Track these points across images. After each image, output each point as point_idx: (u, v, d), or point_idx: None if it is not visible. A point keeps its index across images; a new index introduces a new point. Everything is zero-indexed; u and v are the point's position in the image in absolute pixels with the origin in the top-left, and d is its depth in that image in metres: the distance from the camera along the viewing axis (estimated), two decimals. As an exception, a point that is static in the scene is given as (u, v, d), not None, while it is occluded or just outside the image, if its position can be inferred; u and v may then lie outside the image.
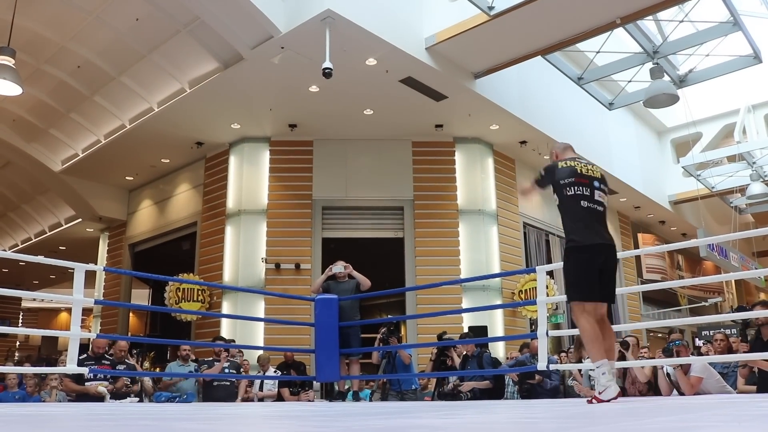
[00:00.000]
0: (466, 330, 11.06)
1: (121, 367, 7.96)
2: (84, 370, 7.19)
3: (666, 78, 11.04)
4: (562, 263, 4.86)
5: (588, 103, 13.12)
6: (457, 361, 8.33)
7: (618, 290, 12.86)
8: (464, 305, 11.56)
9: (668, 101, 10.83)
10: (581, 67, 11.85)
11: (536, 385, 7.92)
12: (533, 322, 12.31)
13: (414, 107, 11.31)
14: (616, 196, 16.16)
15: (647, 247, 16.91)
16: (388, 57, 9.71)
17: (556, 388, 7.99)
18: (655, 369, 6.73)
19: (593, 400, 4.27)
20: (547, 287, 8.41)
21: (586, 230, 4.63)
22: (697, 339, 13.38)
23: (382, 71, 10.09)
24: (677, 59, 11.65)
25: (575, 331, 5.00)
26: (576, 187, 4.70)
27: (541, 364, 6.38)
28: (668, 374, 6.50)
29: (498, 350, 11.26)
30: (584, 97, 12.79)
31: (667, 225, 18.99)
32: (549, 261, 13.81)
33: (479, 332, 10.84)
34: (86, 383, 7.51)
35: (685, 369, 6.33)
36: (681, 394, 6.30)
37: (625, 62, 11.31)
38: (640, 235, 18.34)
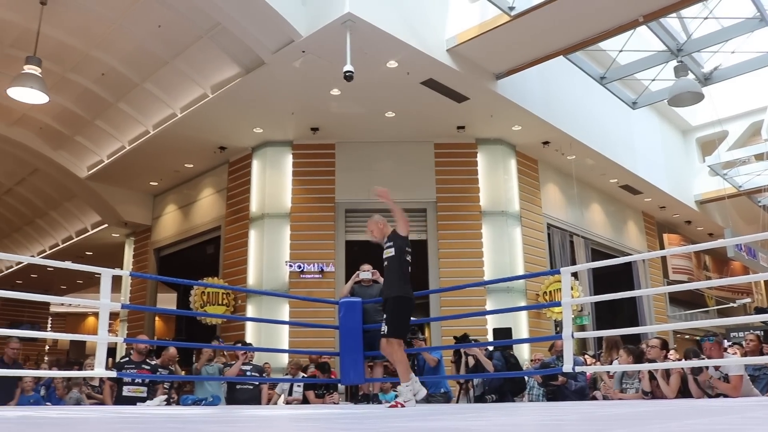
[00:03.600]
0: (490, 332, 11.02)
1: (164, 371, 8.10)
2: (112, 374, 7.30)
3: (690, 76, 10.92)
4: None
5: (611, 102, 13.02)
6: (472, 363, 8.29)
7: (643, 291, 12.72)
8: (488, 307, 11.51)
9: (693, 99, 10.70)
10: (604, 66, 11.76)
11: (562, 387, 7.86)
12: (558, 324, 12.22)
13: (435, 109, 11.29)
14: (641, 196, 16.03)
15: (673, 247, 16.73)
16: (408, 59, 9.70)
17: (582, 389, 7.91)
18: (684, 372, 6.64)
19: (396, 406, 5.36)
20: (572, 289, 8.33)
21: (410, 287, 5.89)
22: (726, 341, 13.20)
23: (403, 73, 10.08)
24: (702, 57, 11.53)
25: (601, 333, 5.25)
26: (410, 256, 5.97)
27: (567, 366, 6.34)
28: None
29: (523, 352, 11.19)
30: (607, 97, 12.69)
31: (693, 225, 18.76)
32: (573, 262, 13.71)
33: (503, 334, 10.77)
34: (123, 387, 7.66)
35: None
36: (710, 396, 6.20)
37: (648, 60, 11.20)
38: (665, 236, 18.14)
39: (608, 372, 7.34)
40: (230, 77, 10.51)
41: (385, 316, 5.77)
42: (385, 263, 5.92)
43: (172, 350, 8.48)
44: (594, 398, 7.34)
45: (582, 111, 12.91)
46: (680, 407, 4.56)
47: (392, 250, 5.88)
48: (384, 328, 5.66)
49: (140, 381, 7.71)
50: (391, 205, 5.94)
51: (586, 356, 9.78)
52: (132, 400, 7.64)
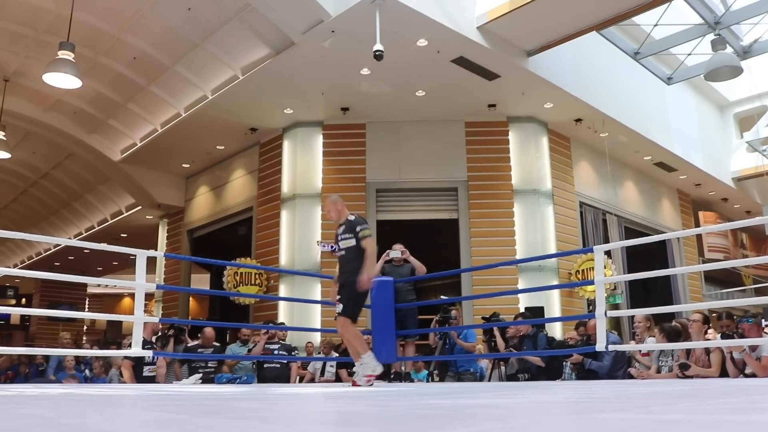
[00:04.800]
0: (522, 311, 10.97)
1: (209, 351, 8.36)
2: (148, 353, 7.45)
3: (728, 49, 10.66)
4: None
5: (645, 78, 12.78)
6: (501, 343, 8.26)
7: (678, 270, 12.55)
8: (520, 286, 11.46)
9: (731, 74, 10.45)
10: (638, 42, 11.54)
11: (592, 368, 7.78)
12: (591, 303, 12.12)
13: (466, 87, 11.19)
14: (676, 173, 15.76)
15: (709, 225, 16.45)
16: (439, 37, 9.61)
17: (612, 368, 7.83)
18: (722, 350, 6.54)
19: (370, 379, 5.66)
20: (605, 267, 8.26)
21: None
22: (763, 320, 12.97)
23: (434, 52, 10.00)
24: (740, 29, 11.24)
25: (634, 312, 5.27)
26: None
27: (600, 345, 6.29)
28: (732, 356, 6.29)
29: (555, 331, 11.13)
30: (641, 72, 12.46)
31: (730, 202, 18.40)
32: (606, 240, 13.56)
33: (536, 313, 10.74)
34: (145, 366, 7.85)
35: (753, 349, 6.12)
36: (747, 376, 6.12)
37: (684, 35, 10.96)
38: (701, 213, 17.82)
39: (640, 351, 7.27)
40: (260, 58, 10.52)
41: (340, 297, 6.05)
42: (343, 252, 6.14)
43: (209, 330, 8.60)
44: (630, 376, 7.27)
45: (615, 87, 12.70)
46: (716, 386, 4.50)
47: (352, 240, 6.10)
48: (338, 308, 6.01)
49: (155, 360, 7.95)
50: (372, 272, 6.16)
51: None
52: (152, 380, 7.86)
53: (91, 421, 1.84)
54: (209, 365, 8.25)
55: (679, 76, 12.57)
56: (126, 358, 7.71)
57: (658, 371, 6.88)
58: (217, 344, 8.87)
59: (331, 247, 11.77)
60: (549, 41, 10.23)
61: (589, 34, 10.28)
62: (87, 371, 9.37)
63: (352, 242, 6.08)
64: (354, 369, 6.00)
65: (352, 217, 6.27)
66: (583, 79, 11.84)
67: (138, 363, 7.83)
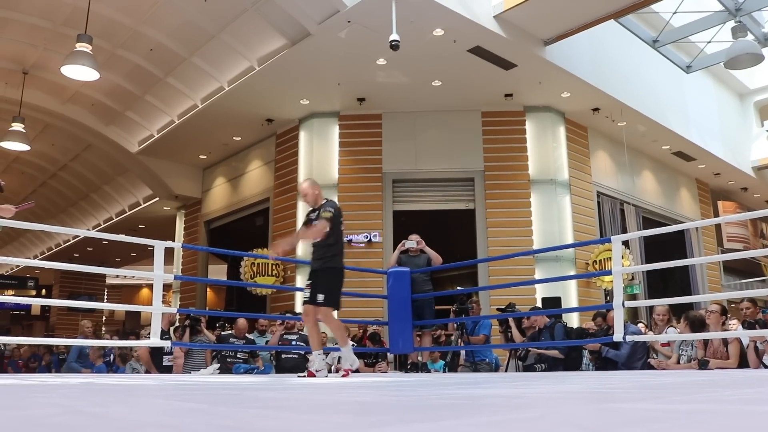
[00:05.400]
0: (539, 302, 10.95)
1: (241, 342, 8.52)
2: (166, 343, 7.52)
3: (749, 37, 10.53)
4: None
5: (664, 66, 12.66)
6: (517, 333, 8.24)
7: (696, 260, 12.45)
8: (537, 276, 11.42)
9: (751, 61, 10.33)
10: (656, 30, 11.42)
11: (610, 357, 7.75)
12: (608, 293, 12.06)
13: (483, 77, 11.14)
14: (695, 162, 15.61)
15: (728, 215, 16.29)
16: (455, 27, 9.56)
17: (631, 358, 7.80)
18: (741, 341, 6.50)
19: (347, 374, 5.69)
20: (622, 257, 8.21)
21: (343, 258, 6.10)
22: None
23: (450, 41, 9.95)
24: (762, 16, 11.10)
25: (652, 302, 5.21)
26: (343, 225, 6.07)
27: (617, 336, 6.28)
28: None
29: (572, 322, 11.09)
30: (660, 61, 12.34)
31: (749, 192, 18.21)
32: (624, 230, 13.47)
33: (553, 303, 10.71)
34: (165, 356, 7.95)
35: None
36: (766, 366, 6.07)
37: (704, 22, 10.83)
38: (720, 203, 17.65)
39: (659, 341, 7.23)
40: (276, 49, 10.52)
41: (311, 282, 5.94)
42: (318, 239, 5.98)
43: (242, 321, 8.66)
44: (649, 367, 7.24)
45: (633, 76, 12.59)
46: (735, 376, 4.47)
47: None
48: (320, 297, 5.80)
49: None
50: (288, 245, 6.26)
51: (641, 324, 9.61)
52: (170, 369, 7.97)
53: (113, 410, 1.86)
54: (238, 356, 8.32)
55: (698, 65, 12.45)
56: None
57: (678, 361, 6.85)
58: (250, 336, 8.93)
59: (346, 237, 11.78)
60: (566, 30, 10.15)
61: (606, 23, 10.19)
62: (111, 358, 9.50)
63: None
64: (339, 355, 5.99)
65: (325, 200, 6.14)
66: (601, 68, 11.74)
67: (156, 352, 7.92)
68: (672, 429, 1.33)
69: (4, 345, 13.66)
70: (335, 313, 6.12)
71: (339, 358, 8.92)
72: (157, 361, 8.03)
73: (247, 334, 8.75)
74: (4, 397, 2.60)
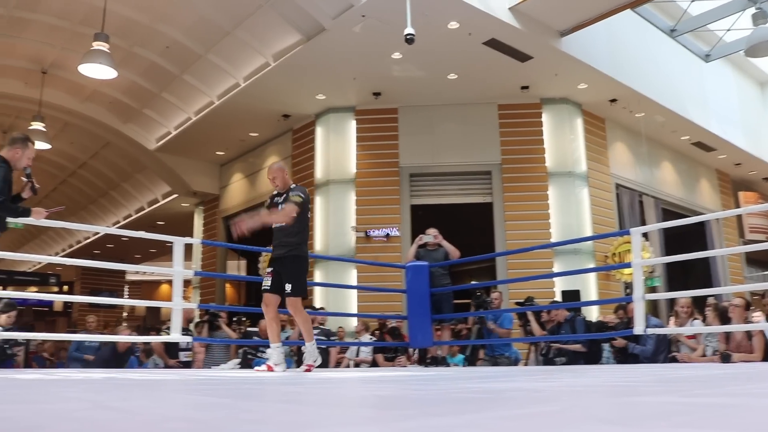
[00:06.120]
0: (558, 295, 10.91)
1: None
2: (188, 339, 7.59)
3: (769, 24, 10.39)
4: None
5: (682, 56, 12.54)
6: (536, 327, 8.21)
7: (718, 251, 12.30)
8: (556, 269, 11.38)
9: (772, 49, 10.20)
10: (674, 19, 11.31)
11: (632, 351, 7.71)
12: (628, 286, 11.98)
13: (499, 69, 11.09)
14: (715, 153, 15.45)
15: (750, 205, 16.12)
16: (470, 19, 9.53)
17: (655, 352, 7.75)
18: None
19: (309, 369, 5.58)
20: (642, 249, 8.12)
21: (307, 247, 5.86)
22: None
23: (465, 34, 9.92)
24: (782, 3, 10.93)
25: (672, 295, 5.15)
26: (310, 213, 5.94)
27: (638, 329, 6.23)
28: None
29: (592, 315, 11.04)
30: (678, 50, 12.23)
31: (771, 182, 18.01)
32: (643, 222, 13.37)
33: (572, 296, 10.66)
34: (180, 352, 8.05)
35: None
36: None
37: (722, 10, 10.71)
38: (741, 194, 17.47)
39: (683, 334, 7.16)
40: (291, 45, 10.54)
41: (273, 270, 5.72)
42: (282, 223, 5.72)
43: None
44: (671, 360, 7.18)
45: (651, 66, 12.47)
46: (759, 370, 4.43)
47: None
48: (288, 288, 5.58)
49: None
50: (254, 223, 5.80)
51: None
52: (188, 365, 8.04)
53: (137, 404, 1.88)
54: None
55: (717, 53, 12.31)
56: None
57: (704, 353, 6.78)
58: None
59: (365, 231, 11.81)
60: (582, 20, 10.07)
61: (623, 12, 10.10)
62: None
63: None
64: (270, 352, 5.76)
65: (293, 185, 5.94)
66: (618, 58, 11.64)
67: (171, 346, 8.00)
68: (696, 422, 1.33)
69: (29, 340, 13.85)
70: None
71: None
72: (172, 355, 8.12)
73: None
74: (32, 391, 2.64)
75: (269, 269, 5.78)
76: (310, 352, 5.68)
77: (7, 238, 25.31)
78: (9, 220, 5.28)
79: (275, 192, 5.99)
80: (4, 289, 22.13)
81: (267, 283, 5.71)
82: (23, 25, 11.15)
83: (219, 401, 2.00)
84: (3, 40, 11.55)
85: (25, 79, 12.80)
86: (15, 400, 2.12)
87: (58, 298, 26.44)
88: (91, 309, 24.18)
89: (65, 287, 26.95)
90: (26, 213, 5.09)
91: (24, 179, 5.25)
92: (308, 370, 5.54)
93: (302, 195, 5.75)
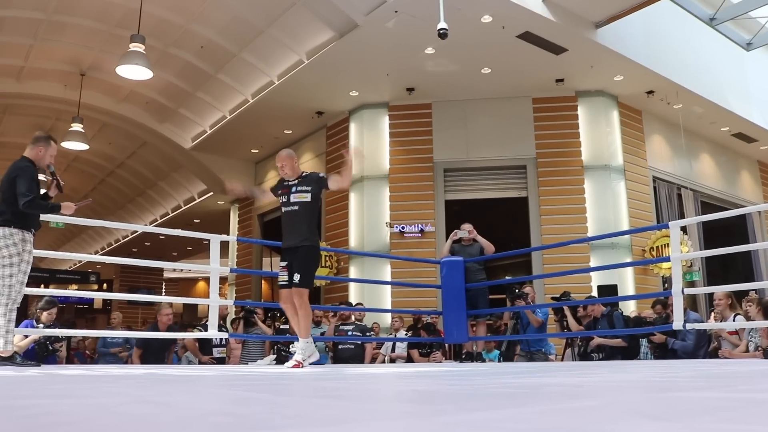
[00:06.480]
0: (595, 290, 10.79)
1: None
2: (224, 335, 7.68)
3: (813, 10, 10.14)
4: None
5: (722, 44, 12.28)
6: (573, 322, 8.12)
7: (759, 245, 12.01)
8: (592, 264, 11.26)
9: (816, 37, 9.94)
10: (714, 7, 11.08)
11: (671, 348, 7.59)
12: (666, 280, 11.81)
13: (533, 63, 10.98)
14: (756, 144, 15.11)
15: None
16: (503, 13, 9.45)
17: (694, 347, 7.62)
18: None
19: (298, 365, 5.30)
20: (680, 243, 7.97)
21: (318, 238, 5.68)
22: None
23: (499, 28, 9.84)
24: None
25: (712, 289, 5.02)
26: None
27: (677, 324, 6.14)
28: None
29: (627, 310, 10.89)
30: (718, 39, 11.97)
31: (816, 173, 17.56)
32: (681, 216, 13.15)
33: (609, 291, 10.53)
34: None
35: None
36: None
37: (764, -3, 10.46)
38: (784, 185, 17.07)
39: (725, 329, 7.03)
40: (324, 42, 10.57)
41: (287, 264, 5.50)
42: (294, 207, 5.54)
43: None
44: (711, 356, 7.06)
45: (689, 56, 12.23)
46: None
47: (308, 195, 5.56)
48: (296, 278, 5.37)
49: (225, 342, 8.16)
50: (350, 163, 5.62)
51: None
52: (222, 361, 8.14)
53: (178, 399, 1.91)
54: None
55: (759, 41, 12.03)
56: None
57: (747, 349, 6.65)
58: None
59: (400, 227, 11.79)
60: (618, 11, 9.91)
61: (660, 2, 9.92)
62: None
63: (308, 197, 5.55)
64: (294, 348, 5.51)
65: (308, 172, 5.79)
66: (655, 49, 11.45)
67: (204, 342, 8.12)
68: (741, 418, 1.30)
69: (70, 337, 14.15)
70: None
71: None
72: (205, 351, 8.23)
73: None
74: (75, 386, 2.69)
75: (283, 263, 5.57)
76: (304, 348, 5.42)
77: (49, 237, 25.90)
78: (46, 218, 5.41)
79: (287, 179, 5.76)
80: (46, 287, 22.65)
81: (283, 278, 5.52)
82: (62, 29, 11.37)
83: (258, 396, 2.01)
84: (43, 45, 11.80)
85: (65, 81, 13.05)
86: (59, 394, 2.17)
87: (98, 296, 26.94)
88: (130, 306, 24.63)
89: (104, 285, 27.46)
90: (56, 209, 5.20)
91: (49, 177, 5.35)
92: (296, 366, 5.31)
93: (323, 173, 5.72)
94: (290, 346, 8.26)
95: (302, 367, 5.32)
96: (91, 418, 1.35)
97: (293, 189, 5.59)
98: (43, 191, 5.31)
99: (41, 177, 5.28)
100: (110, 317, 9.99)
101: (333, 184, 5.66)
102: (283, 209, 5.65)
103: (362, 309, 10.25)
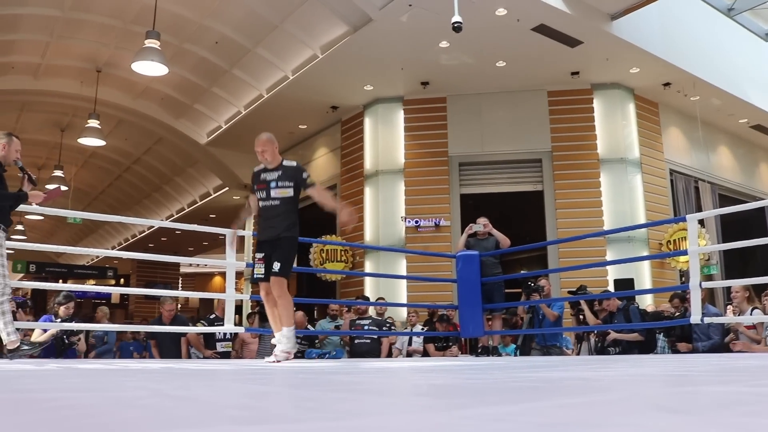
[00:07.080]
0: (611, 283, 10.73)
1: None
2: (240, 329, 7.72)
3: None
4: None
5: (740, 35, 12.14)
6: (590, 316, 8.09)
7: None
8: (609, 258, 11.19)
9: (836, 27, 9.80)
10: (731, -3, 10.95)
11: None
12: (683, 274, 11.72)
13: (548, 55, 10.92)
14: (777, 136, 14.95)
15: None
16: (518, 5, 9.39)
17: (712, 342, 7.57)
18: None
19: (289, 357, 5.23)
20: (698, 236, 7.90)
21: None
22: None
23: (513, 21, 9.79)
24: None
25: (730, 283, 5.00)
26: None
27: (695, 318, 6.10)
28: None
29: (644, 303, 10.83)
30: (736, 30, 11.84)
31: (836, 165, 17.34)
32: (699, 209, 13.04)
33: (625, 285, 10.47)
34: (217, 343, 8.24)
35: None
36: None
37: (783, -13, 10.33)
38: (805, 178, 16.87)
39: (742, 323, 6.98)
40: (339, 36, 10.57)
41: (265, 256, 5.38)
42: (275, 202, 5.41)
43: (299, 315, 8.82)
44: (728, 350, 7.00)
45: (707, 48, 12.11)
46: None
47: (290, 190, 5.43)
48: (276, 266, 5.24)
49: (230, 336, 8.26)
50: (337, 207, 5.83)
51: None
52: (226, 355, 8.19)
53: (196, 393, 1.92)
54: (302, 342, 8.50)
55: (777, 32, 11.87)
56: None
57: (766, 343, 6.60)
58: (308, 327, 9.12)
59: (415, 221, 11.78)
60: (634, 3, 9.82)
61: (677, -7, 9.84)
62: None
63: (290, 192, 5.41)
64: (275, 341, 5.37)
65: (291, 163, 5.59)
66: (672, 40, 11.34)
67: (209, 336, 8.18)
68: (761, 412, 1.29)
69: (88, 331, 14.28)
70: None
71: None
72: (209, 345, 8.30)
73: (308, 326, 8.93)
74: (95, 380, 2.72)
75: (259, 255, 5.41)
76: (289, 337, 5.27)
77: (67, 233, 26.16)
78: (64, 215, 5.45)
79: (262, 167, 5.61)
80: (64, 281, 22.85)
81: (260, 270, 5.37)
82: (78, 26, 11.45)
83: (276, 390, 2.02)
84: (60, 42, 11.89)
85: (81, 78, 13.15)
86: (78, 388, 2.19)
87: (115, 291, 27.14)
88: (147, 301, 24.81)
89: (122, 280, 27.68)
90: (23, 197, 5.20)
91: (19, 174, 5.35)
92: (287, 358, 5.24)
93: (307, 173, 5.59)
94: (302, 342, 8.33)
95: (291, 357, 5.28)
96: (112, 412, 1.36)
97: (272, 184, 5.45)
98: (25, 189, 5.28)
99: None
100: (96, 313, 10.07)
101: (314, 194, 5.61)
102: (262, 204, 5.51)
103: (377, 303, 10.28)
